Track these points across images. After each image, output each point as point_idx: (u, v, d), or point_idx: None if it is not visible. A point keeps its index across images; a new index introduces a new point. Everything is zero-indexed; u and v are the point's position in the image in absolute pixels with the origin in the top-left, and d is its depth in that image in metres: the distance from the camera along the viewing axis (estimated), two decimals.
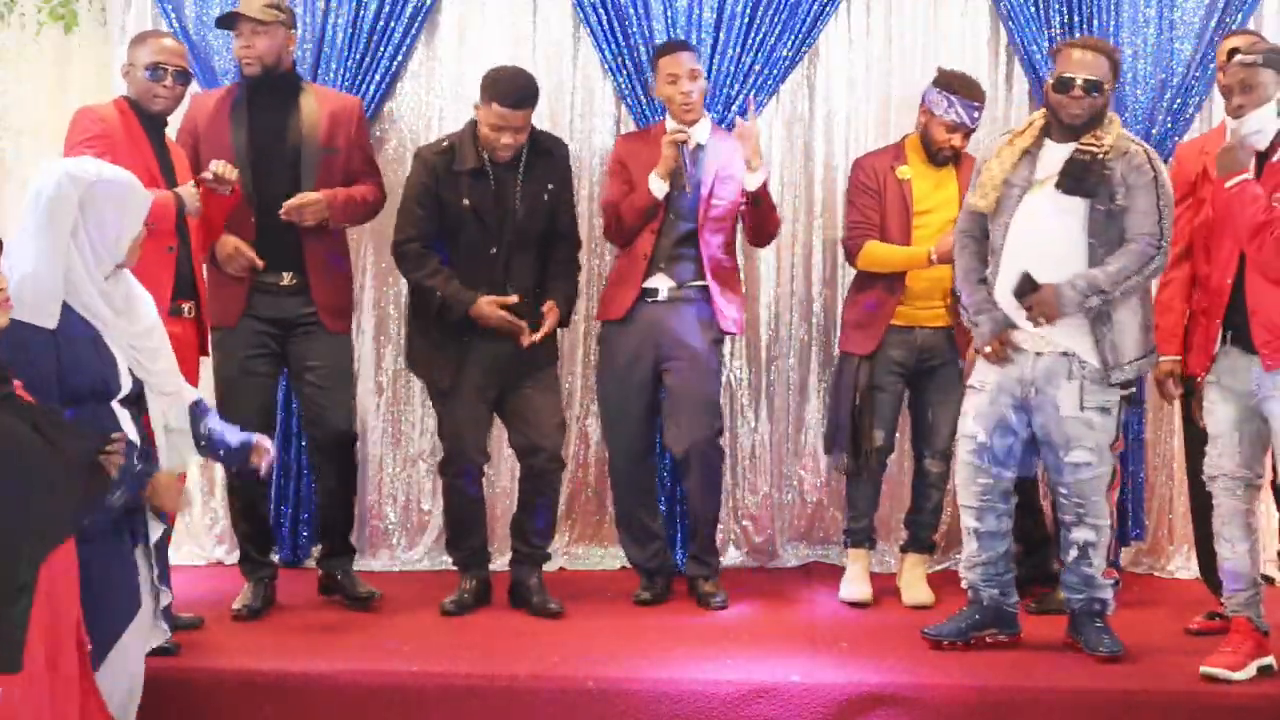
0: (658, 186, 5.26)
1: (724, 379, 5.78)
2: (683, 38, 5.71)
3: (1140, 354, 4.63)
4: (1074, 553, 4.73)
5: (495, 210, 5.11)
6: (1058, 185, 4.58)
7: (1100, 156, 4.56)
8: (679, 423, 5.33)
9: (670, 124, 5.37)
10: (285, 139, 5.18)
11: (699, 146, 5.33)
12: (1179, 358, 4.90)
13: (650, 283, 5.33)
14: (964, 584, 4.92)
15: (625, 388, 5.38)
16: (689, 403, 5.31)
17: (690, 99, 5.28)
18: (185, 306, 4.89)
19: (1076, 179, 4.56)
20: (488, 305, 5.07)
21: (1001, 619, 4.86)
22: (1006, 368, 4.67)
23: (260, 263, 5.09)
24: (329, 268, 5.27)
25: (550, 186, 5.19)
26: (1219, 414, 4.54)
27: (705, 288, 5.34)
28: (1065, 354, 4.60)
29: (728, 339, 5.62)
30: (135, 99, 4.89)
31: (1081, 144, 4.58)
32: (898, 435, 5.58)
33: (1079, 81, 4.58)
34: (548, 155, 5.21)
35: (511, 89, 5.04)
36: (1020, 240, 4.62)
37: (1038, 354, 4.64)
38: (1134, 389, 4.78)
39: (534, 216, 5.17)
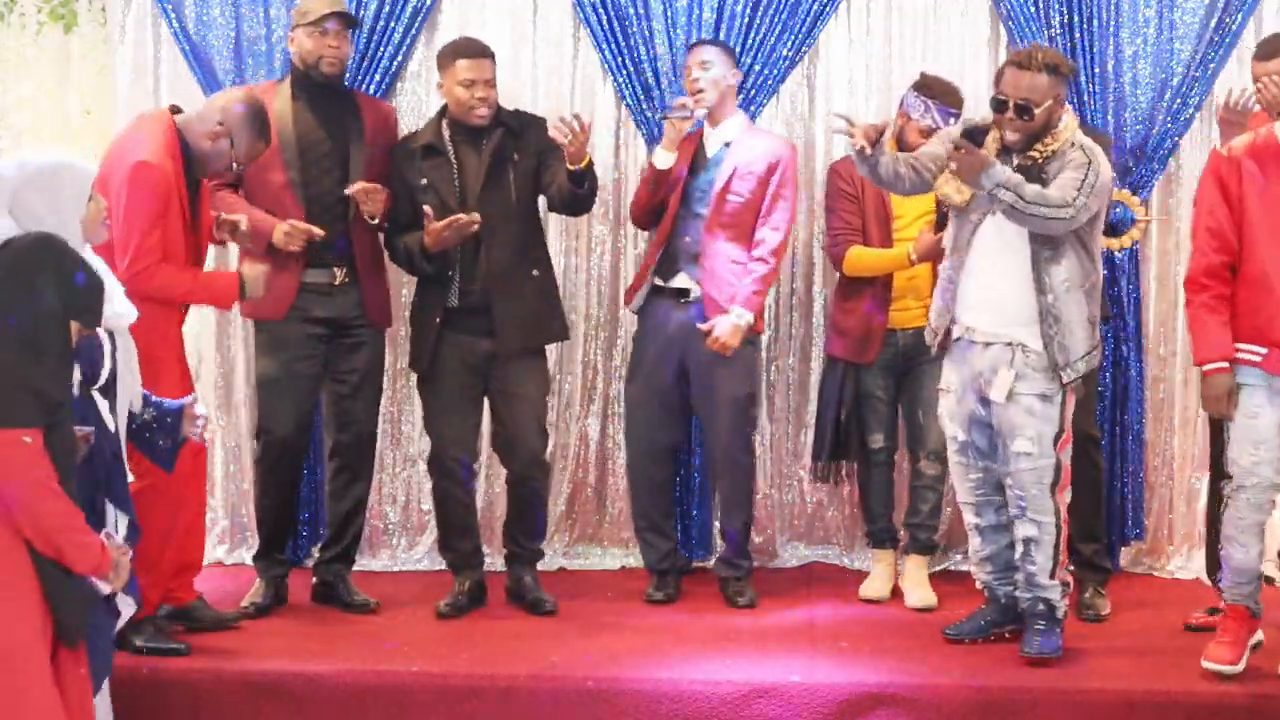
0: (660, 158, 5.28)
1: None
2: (684, 38, 5.71)
3: (1087, 349, 4.64)
4: (1019, 548, 4.74)
5: (454, 185, 5.14)
6: None
7: (1040, 162, 4.59)
8: (709, 427, 5.40)
9: (707, 129, 5.42)
10: (334, 136, 5.22)
11: (725, 144, 5.34)
12: (1230, 365, 4.45)
13: (676, 282, 5.33)
14: (978, 583, 4.96)
15: (651, 385, 5.40)
16: (724, 406, 5.34)
17: (698, 85, 5.28)
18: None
19: None
20: (432, 228, 5.04)
21: (1019, 616, 4.85)
22: (962, 366, 4.71)
23: (320, 231, 5.07)
24: (375, 264, 5.34)
25: (515, 157, 5.19)
26: (1266, 419, 4.42)
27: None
28: (1010, 344, 4.62)
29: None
30: (197, 154, 4.76)
31: (1027, 155, 4.61)
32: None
33: (1010, 105, 4.59)
34: (513, 134, 5.21)
35: (469, 43, 5.22)
36: (985, 242, 4.65)
37: (986, 344, 4.66)
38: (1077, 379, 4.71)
39: (497, 187, 5.15)
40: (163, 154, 4.67)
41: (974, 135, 4.65)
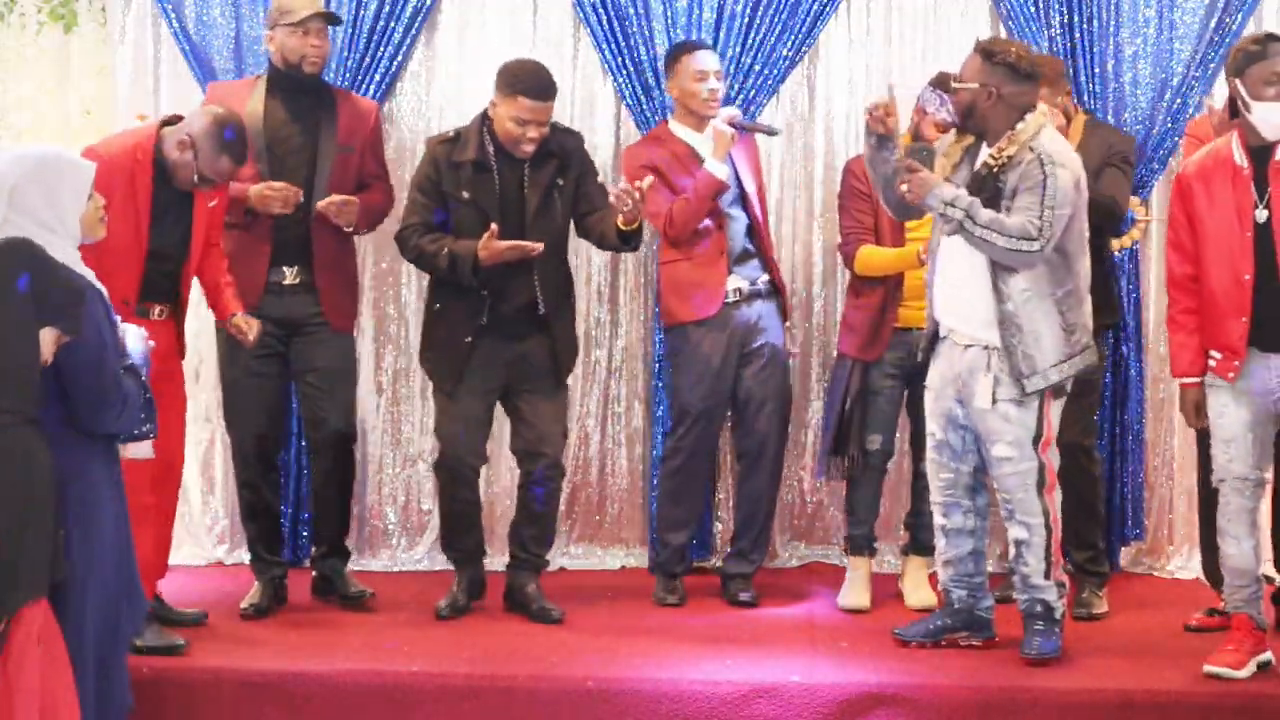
0: (719, 169, 5.26)
1: None
2: (684, 38, 5.70)
3: (1060, 358, 4.56)
4: (1011, 550, 4.73)
5: (497, 204, 5.07)
6: None
7: (995, 170, 4.56)
8: (758, 419, 5.38)
9: (674, 124, 5.43)
10: (304, 135, 5.21)
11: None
12: (1200, 379, 4.58)
13: (729, 283, 5.36)
14: (939, 584, 4.95)
15: (716, 392, 5.39)
16: (773, 397, 5.38)
17: (718, 97, 5.34)
18: (156, 309, 4.86)
19: (974, 192, 4.57)
20: (490, 242, 4.95)
21: (974, 623, 4.84)
22: (944, 364, 4.70)
23: (298, 194, 5.06)
24: (336, 265, 5.31)
25: (560, 183, 5.14)
26: (1232, 417, 4.48)
27: (771, 281, 5.44)
28: (986, 347, 4.60)
29: None
30: (170, 167, 4.73)
31: (990, 155, 4.58)
32: (898, 436, 5.57)
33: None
34: (553, 156, 5.13)
35: (538, 81, 5.04)
36: (951, 248, 4.63)
37: (967, 346, 4.64)
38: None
39: (547, 214, 5.12)
40: (120, 150, 4.68)
41: (922, 154, 4.62)
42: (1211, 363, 4.51)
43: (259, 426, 5.27)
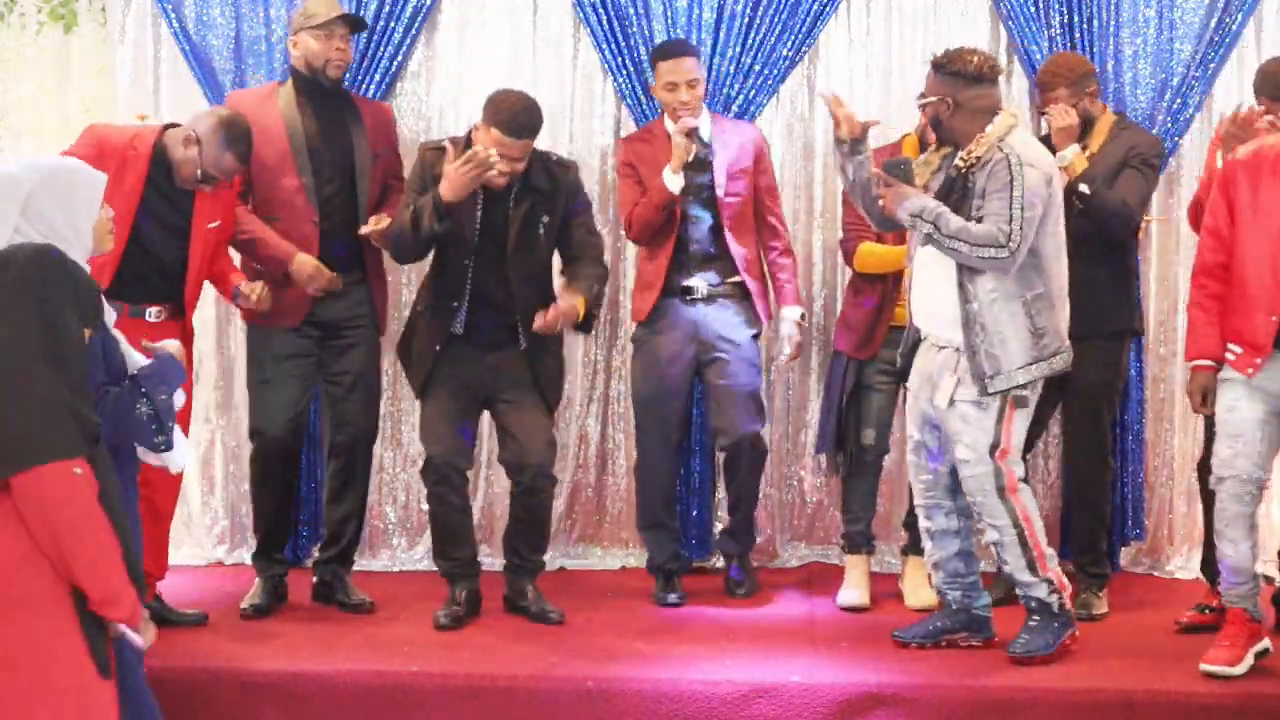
0: (672, 181, 5.25)
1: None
2: (683, 37, 5.70)
3: (1029, 360, 4.55)
4: (993, 551, 4.75)
5: (476, 224, 4.99)
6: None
7: (964, 170, 4.57)
8: (726, 416, 5.36)
9: (668, 120, 5.41)
10: (340, 140, 5.23)
11: (705, 144, 5.37)
12: (1215, 362, 4.56)
13: (686, 283, 5.37)
14: (933, 587, 4.95)
15: (664, 386, 5.41)
16: (740, 390, 5.36)
17: (688, 107, 5.31)
18: (153, 310, 4.86)
19: (942, 197, 4.60)
20: (455, 172, 4.80)
21: (972, 623, 4.84)
22: (921, 365, 4.73)
23: (340, 281, 5.15)
24: (381, 269, 5.39)
25: (545, 218, 5.05)
26: (1243, 413, 4.47)
27: (740, 284, 5.41)
28: (957, 349, 4.60)
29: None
30: (174, 164, 4.78)
31: (960, 158, 4.60)
32: (895, 436, 5.58)
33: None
34: (538, 189, 5.03)
35: (513, 117, 4.89)
36: (926, 249, 4.64)
37: (941, 348, 4.66)
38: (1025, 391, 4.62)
39: (528, 247, 5.04)
40: (118, 136, 4.75)
41: (900, 167, 4.66)
42: (1230, 356, 4.49)
43: (289, 430, 5.26)
